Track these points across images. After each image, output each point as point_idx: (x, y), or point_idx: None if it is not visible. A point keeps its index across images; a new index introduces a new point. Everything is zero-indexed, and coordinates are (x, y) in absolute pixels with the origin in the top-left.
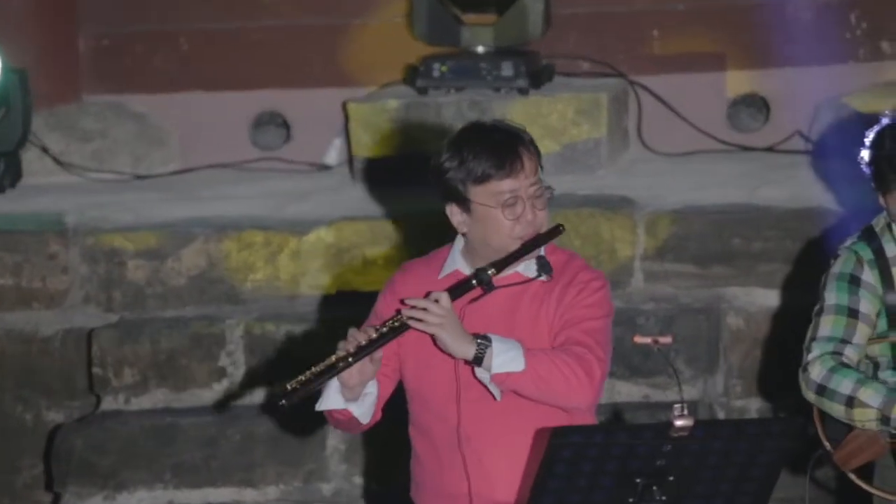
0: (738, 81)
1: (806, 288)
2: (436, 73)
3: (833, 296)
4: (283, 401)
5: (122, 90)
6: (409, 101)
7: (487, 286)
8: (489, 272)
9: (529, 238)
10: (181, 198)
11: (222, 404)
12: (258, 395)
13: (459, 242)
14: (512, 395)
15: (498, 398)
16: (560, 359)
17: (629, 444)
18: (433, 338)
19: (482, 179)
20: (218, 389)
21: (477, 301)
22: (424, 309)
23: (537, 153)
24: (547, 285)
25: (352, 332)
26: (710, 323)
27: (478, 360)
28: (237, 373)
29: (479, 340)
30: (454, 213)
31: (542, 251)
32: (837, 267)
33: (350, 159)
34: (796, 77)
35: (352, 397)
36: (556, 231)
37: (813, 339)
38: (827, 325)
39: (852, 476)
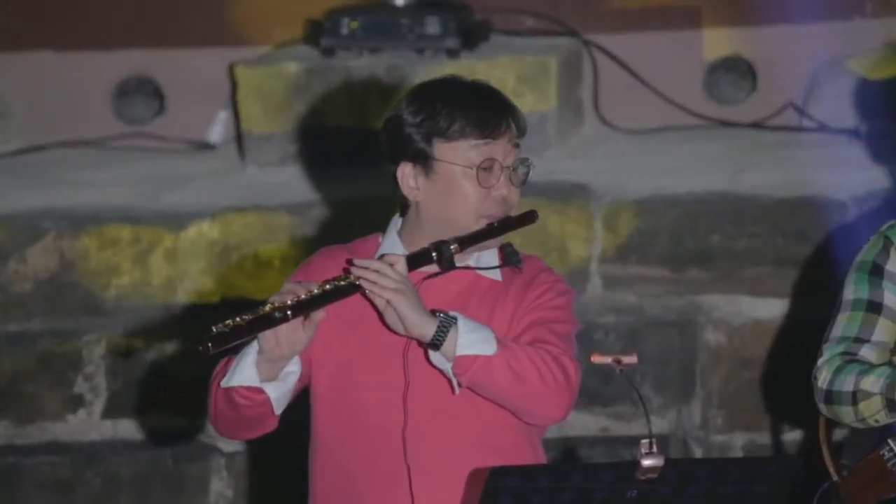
0: (717, 41)
1: (802, 295)
2: (345, 31)
3: (851, 289)
4: (209, 344)
5: None
6: (311, 65)
7: (448, 263)
8: (452, 246)
9: (499, 220)
10: (26, 183)
11: (78, 441)
12: (124, 429)
13: (396, 224)
14: (467, 398)
15: (457, 390)
16: (537, 354)
17: (584, 489)
18: (378, 314)
19: (455, 135)
20: (73, 422)
21: (433, 278)
22: (378, 272)
23: (522, 122)
24: (499, 285)
25: (288, 285)
26: (684, 339)
27: (436, 343)
28: (97, 401)
29: (441, 316)
30: (406, 176)
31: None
32: (861, 255)
33: (238, 136)
34: (788, 36)
35: (269, 376)
36: (529, 217)
37: (825, 341)
38: (841, 324)
39: None
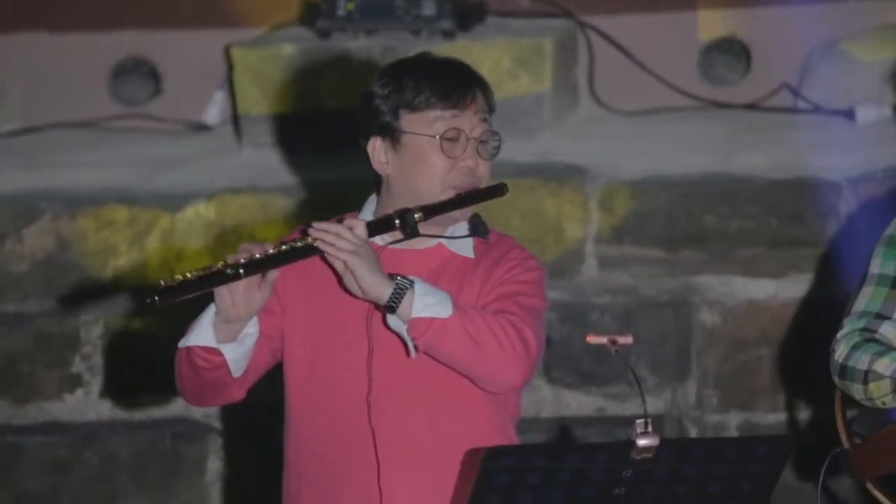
0: (712, 23)
1: (796, 276)
2: (341, 12)
3: (877, 263)
4: (155, 297)
5: None
6: (307, 47)
7: (411, 230)
8: (416, 215)
9: (466, 191)
10: (23, 164)
11: (76, 420)
12: (121, 409)
13: (372, 203)
14: (432, 363)
15: (413, 353)
16: (495, 320)
17: (580, 469)
18: (339, 280)
19: (421, 106)
20: (70, 402)
21: (394, 244)
22: (336, 234)
23: (490, 95)
24: (470, 262)
25: (244, 244)
26: (679, 319)
27: (392, 306)
28: (94, 381)
29: (398, 278)
30: (377, 151)
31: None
32: (890, 228)
33: (234, 117)
34: (783, 17)
35: (227, 337)
36: (498, 190)
37: (846, 315)
38: (863, 298)
39: (870, 487)
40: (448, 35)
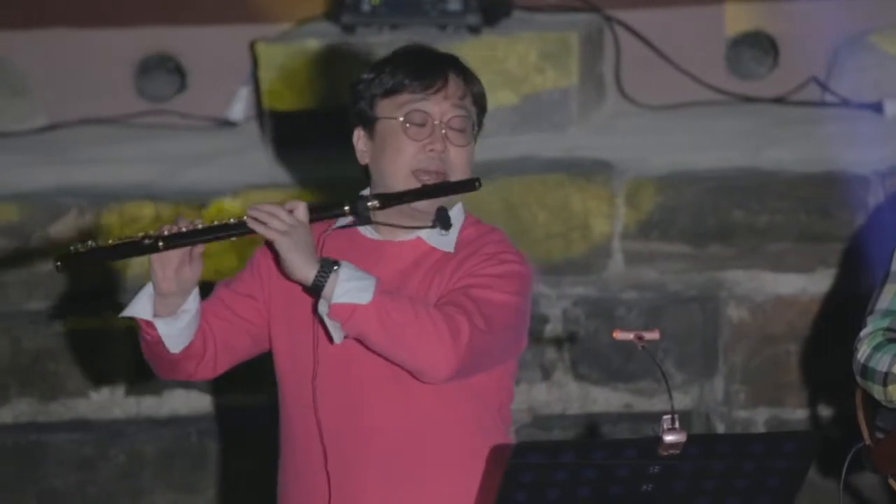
0: (739, 16)
1: (824, 270)
2: (366, 7)
3: None
4: (59, 262)
5: None
6: (332, 42)
7: (361, 217)
8: (369, 203)
9: (434, 182)
10: (48, 161)
11: (101, 418)
12: (147, 406)
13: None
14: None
15: (336, 340)
16: (424, 309)
17: (608, 466)
18: (278, 260)
19: (392, 91)
20: (96, 399)
21: (341, 228)
22: (269, 213)
23: (479, 96)
24: (449, 256)
25: (179, 217)
26: (707, 315)
27: (318, 283)
28: (120, 378)
29: (323, 261)
30: (359, 140)
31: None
32: None
33: (259, 113)
34: (811, 11)
35: (164, 311)
36: (469, 183)
37: (870, 312)
38: (887, 296)
39: (892, 482)
40: (474, 30)
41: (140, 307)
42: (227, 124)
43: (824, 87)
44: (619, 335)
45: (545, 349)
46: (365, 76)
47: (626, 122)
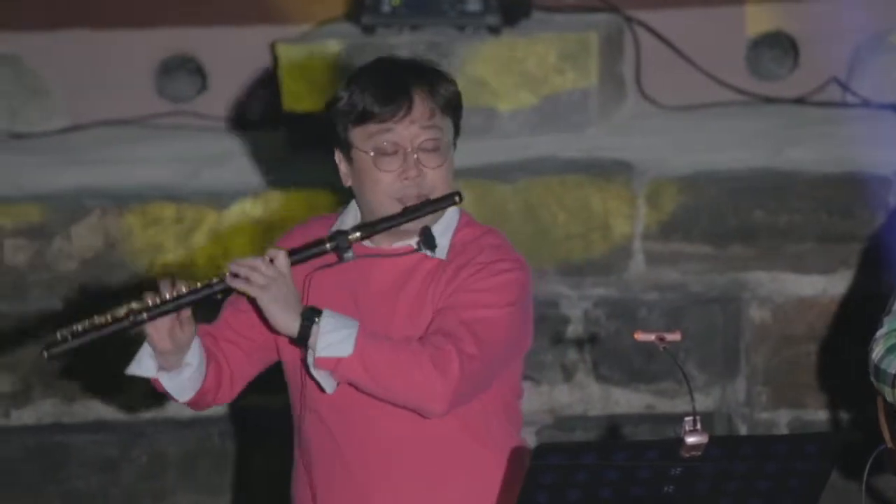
0: (759, 17)
1: (846, 271)
2: (386, 8)
3: None
4: (46, 352)
5: None
6: (352, 43)
7: (342, 253)
8: (350, 236)
9: (413, 203)
10: (70, 161)
11: (125, 419)
12: (170, 407)
13: (354, 209)
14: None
15: (328, 390)
16: (408, 348)
17: (629, 467)
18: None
19: (360, 118)
20: (119, 400)
21: (327, 268)
22: (250, 268)
23: (450, 102)
24: (443, 264)
25: (162, 282)
26: (728, 316)
27: (302, 337)
28: (143, 379)
29: (305, 313)
30: (340, 162)
31: (437, 225)
32: None
33: (280, 114)
34: (831, 11)
35: (167, 365)
36: (449, 199)
37: (887, 313)
38: None
39: None
40: (493, 30)
41: (144, 365)
42: (248, 124)
43: (845, 87)
44: (640, 336)
45: (566, 350)
46: (338, 94)
47: (646, 122)
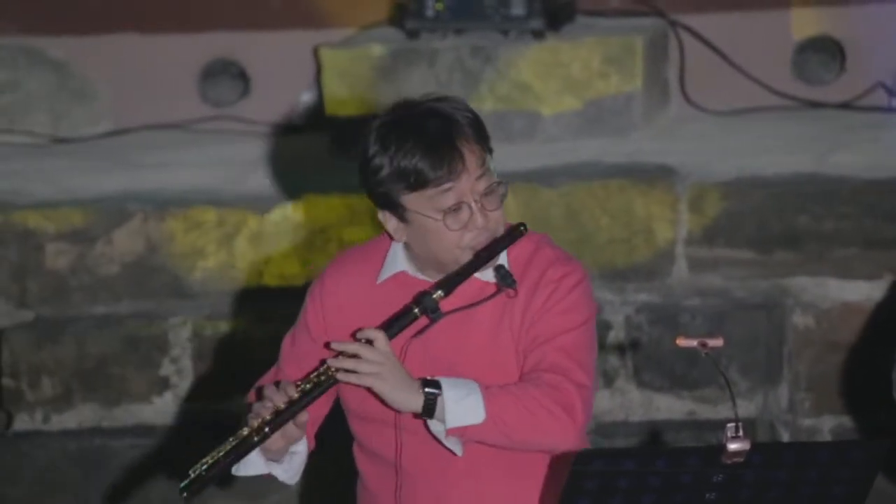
0: (805, 21)
1: (891, 277)
2: (430, 12)
3: None
4: (185, 493)
5: (36, 31)
6: (396, 47)
7: (434, 314)
8: (435, 296)
9: (483, 246)
10: (113, 166)
11: (165, 423)
12: (209, 412)
13: (400, 250)
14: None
15: (459, 453)
16: (529, 396)
17: (671, 473)
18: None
19: (416, 185)
20: (159, 404)
21: (423, 333)
22: (356, 356)
23: (481, 135)
24: (511, 291)
25: (268, 392)
26: (772, 322)
27: (428, 413)
28: (183, 384)
29: (426, 389)
30: (388, 220)
31: (502, 258)
32: None
33: (323, 118)
34: (878, 15)
35: (276, 457)
36: (516, 233)
37: None
38: None
39: None
40: (538, 35)
41: (252, 465)
42: (291, 129)
43: (891, 92)
44: (682, 342)
45: (608, 356)
46: (374, 161)
47: (691, 127)
